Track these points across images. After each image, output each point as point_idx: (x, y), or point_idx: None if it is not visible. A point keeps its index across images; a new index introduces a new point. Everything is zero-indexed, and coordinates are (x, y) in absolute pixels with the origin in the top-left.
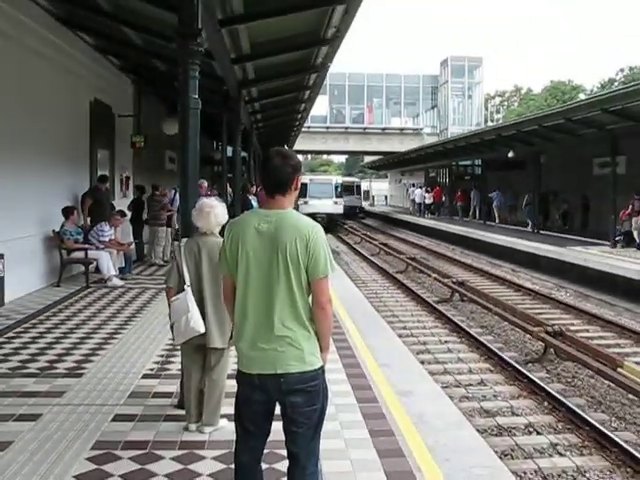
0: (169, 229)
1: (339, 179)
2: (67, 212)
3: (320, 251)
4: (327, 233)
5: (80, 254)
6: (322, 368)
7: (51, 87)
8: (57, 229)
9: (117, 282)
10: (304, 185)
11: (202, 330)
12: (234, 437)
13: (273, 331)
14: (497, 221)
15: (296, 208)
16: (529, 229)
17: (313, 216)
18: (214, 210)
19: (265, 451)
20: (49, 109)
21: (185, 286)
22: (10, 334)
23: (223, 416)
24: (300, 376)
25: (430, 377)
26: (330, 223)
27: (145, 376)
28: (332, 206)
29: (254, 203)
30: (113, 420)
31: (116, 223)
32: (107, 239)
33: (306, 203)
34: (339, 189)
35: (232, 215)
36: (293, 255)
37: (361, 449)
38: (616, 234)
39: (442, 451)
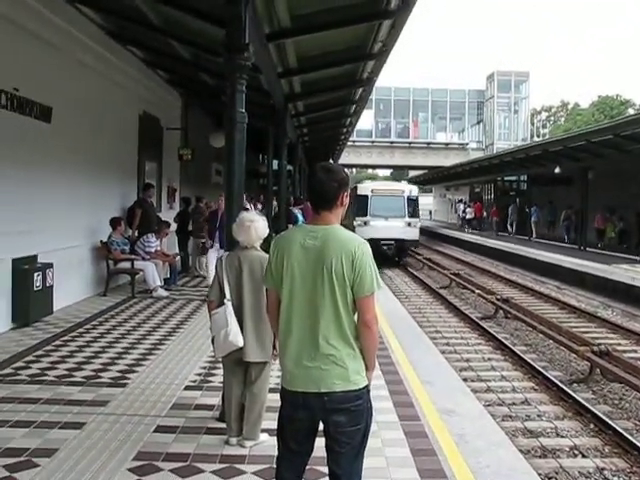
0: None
1: (413, 189)
2: (114, 223)
3: (366, 268)
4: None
5: (126, 264)
6: (367, 387)
7: (101, 100)
8: (105, 239)
9: (162, 293)
10: (363, 199)
11: (240, 344)
12: (274, 452)
13: (318, 349)
14: (534, 236)
15: (352, 230)
16: (569, 244)
17: (376, 243)
18: (254, 224)
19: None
20: (99, 121)
21: (225, 300)
22: (57, 342)
23: (264, 430)
24: (344, 395)
25: (473, 395)
26: (400, 253)
27: (187, 388)
28: (404, 229)
29: (299, 216)
30: (155, 431)
31: (163, 234)
32: (153, 250)
33: (366, 224)
34: (414, 204)
35: (277, 228)
36: (339, 272)
37: (402, 468)
38: None
39: (484, 473)
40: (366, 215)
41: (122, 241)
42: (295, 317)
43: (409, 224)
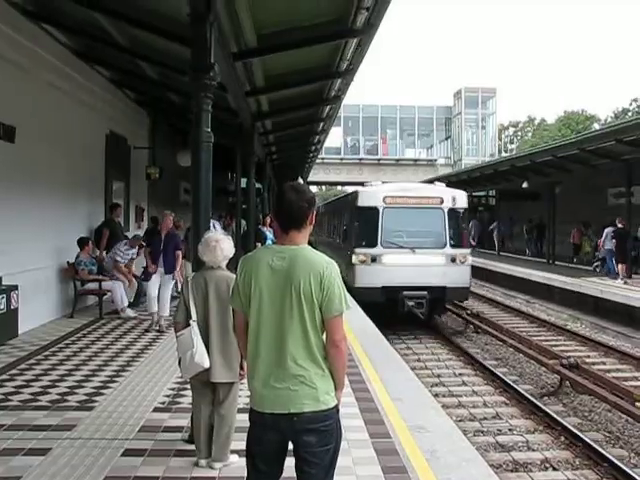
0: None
1: (459, 196)
2: (82, 243)
3: (334, 288)
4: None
5: (94, 285)
6: (336, 407)
7: (67, 120)
8: (72, 260)
9: (130, 313)
10: (367, 215)
11: (206, 365)
12: (244, 473)
13: (286, 369)
14: (497, 249)
15: (351, 272)
16: (532, 257)
17: (394, 295)
18: (220, 244)
19: None
20: (65, 141)
21: (191, 321)
22: (22, 366)
23: (234, 452)
24: (314, 415)
25: (444, 411)
26: (436, 310)
27: (156, 409)
28: (445, 269)
29: (269, 234)
30: (123, 455)
31: (135, 243)
32: (129, 258)
33: (375, 261)
34: (460, 222)
35: (245, 247)
36: (307, 292)
37: None
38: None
39: None
40: (374, 244)
41: (90, 261)
42: (263, 338)
43: (453, 259)
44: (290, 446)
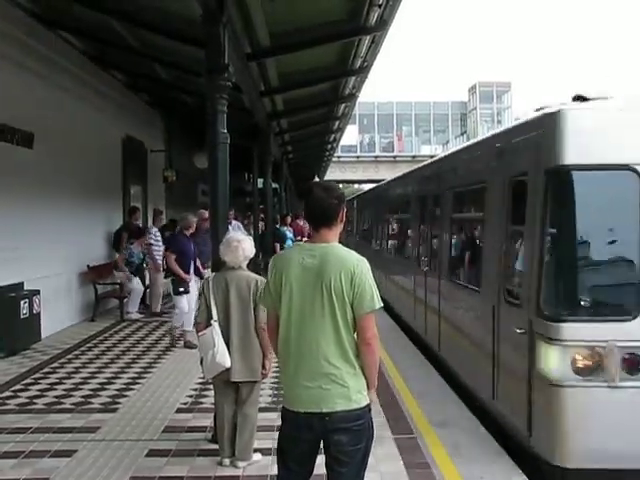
0: None
1: None
2: (140, 233)
3: (366, 286)
4: None
5: (115, 290)
6: (368, 406)
7: (84, 124)
8: (91, 264)
9: (133, 316)
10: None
11: (227, 364)
12: (269, 471)
13: (318, 368)
14: None
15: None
16: None
17: None
18: (242, 244)
19: None
20: (82, 146)
21: (212, 321)
22: (46, 369)
23: (256, 450)
24: (346, 414)
25: (465, 406)
26: None
27: (179, 410)
28: None
29: (288, 234)
30: (147, 455)
31: (141, 241)
32: (136, 261)
33: None
34: None
35: (264, 247)
36: (338, 290)
37: None
38: None
39: None
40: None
41: (138, 255)
42: (294, 337)
43: None
44: (321, 444)
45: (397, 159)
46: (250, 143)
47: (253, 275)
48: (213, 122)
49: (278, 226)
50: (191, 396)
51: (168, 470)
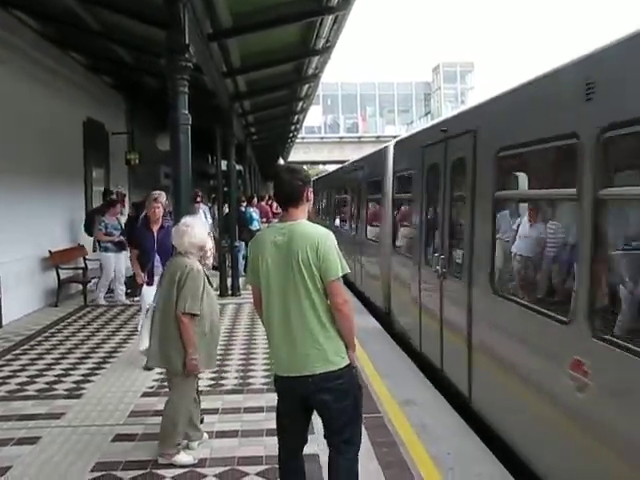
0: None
1: None
2: (109, 204)
3: (330, 255)
4: None
5: (77, 275)
6: (348, 366)
7: (43, 107)
8: (53, 249)
9: (100, 301)
10: None
11: (140, 348)
12: (235, 453)
13: (298, 336)
14: None
15: None
16: None
17: None
18: (189, 230)
19: None
20: (41, 130)
21: (147, 305)
22: (8, 356)
23: (216, 433)
24: (326, 376)
25: (432, 385)
26: None
27: (145, 394)
28: None
29: (254, 214)
30: (113, 440)
31: (114, 211)
32: (118, 233)
33: None
34: None
35: (226, 227)
36: (306, 262)
37: (363, 460)
38: None
39: (446, 460)
40: None
41: (114, 225)
42: (274, 308)
43: None
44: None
45: (362, 140)
46: (213, 125)
47: (189, 263)
48: (174, 103)
49: (244, 208)
50: (157, 380)
51: (135, 454)
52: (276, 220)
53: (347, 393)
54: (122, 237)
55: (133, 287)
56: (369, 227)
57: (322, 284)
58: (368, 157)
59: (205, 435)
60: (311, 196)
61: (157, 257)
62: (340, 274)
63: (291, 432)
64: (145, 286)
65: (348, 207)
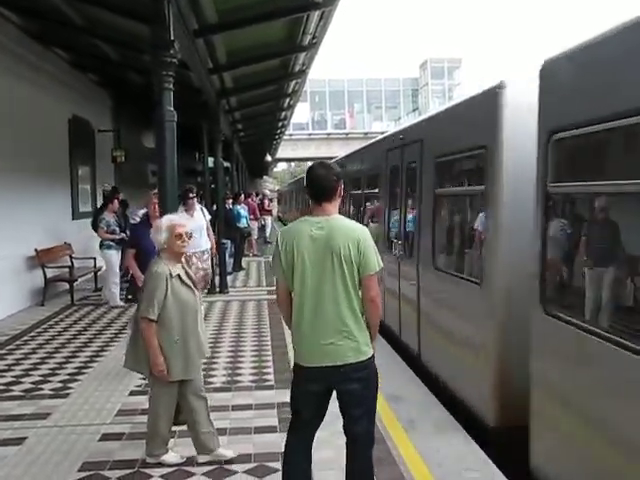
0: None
1: None
2: (106, 200)
3: (370, 251)
4: None
5: (64, 274)
6: (373, 356)
7: (27, 105)
8: (39, 247)
9: (115, 302)
10: None
11: (123, 351)
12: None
13: (332, 327)
14: None
15: None
16: None
17: None
18: (159, 225)
19: None
20: (26, 127)
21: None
22: None
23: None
24: (357, 365)
25: (421, 381)
26: None
27: (132, 393)
28: None
29: (242, 211)
30: (100, 440)
31: (112, 208)
32: (118, 230)
33: None
34: None
35: (215, 225)
36: (347, 256)
37: None
38: None
39: (434, 456)
40: None
41: (114, 221)
42: (307, 301)
43: None
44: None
45: (349, 136)
46: (200, 122)
47: (153, 263)
48: (159, 100)
49: (231, 205)
50: (144, 378)
51: (122, 454)
52: (260, 217)
53: (371, 382)
54: (123, 234)
55: (134, 291)
56: None
57: (358, 278)
58: (342, 158)
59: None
60: (342, 192)
61: None
62: (377, 269)
63: (307, 421)
64: None
65: None
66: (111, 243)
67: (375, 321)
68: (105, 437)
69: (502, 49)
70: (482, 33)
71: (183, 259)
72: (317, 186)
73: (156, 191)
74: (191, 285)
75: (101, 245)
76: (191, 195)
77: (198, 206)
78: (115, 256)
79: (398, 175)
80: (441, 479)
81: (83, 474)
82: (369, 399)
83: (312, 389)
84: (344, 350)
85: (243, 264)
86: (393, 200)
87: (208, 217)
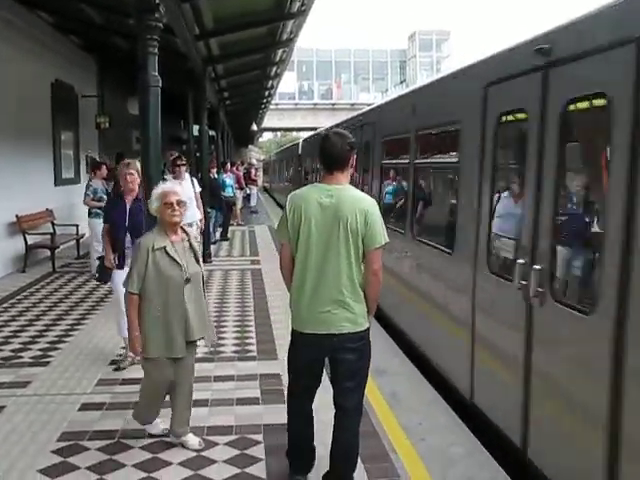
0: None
1: None
2: (94, 167)
3: (377, 223)
4: None
5: (45, 241)
6: (368, 329)
7: (9, 68)
8: (20, 214)
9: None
10: None
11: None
12: (205, 422)
13: (331, 295)
14: None
15: None
16: None
17: None
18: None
19: None
20: (8, 91)
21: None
22: None
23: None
24: (352, 336)
25: (403, 354)
26: None
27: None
28: None
29: (228, 180)
30: (80, 409)
31: (100, 175)
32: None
33: None
34: None
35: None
36: (353, 226)
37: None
38: None
39: (417, 430)
40: None
41: (102, 189)
42: (309, 267)
43: None
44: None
45: (336, 106)
46: (186, 89)
47: (142, 237)
48: (143, 64)
49: (215, 174)
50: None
51: (102, 424)
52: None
53: (365, 354)
54: None
55: (102, 271)
56: None
57: (362, 249)
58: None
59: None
60: (354, 162)
61: (128, 237)
62: (383, 242)
63: (304, 386)
64: (116, 269)
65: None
66: (99, 211)
67: (374, 295)
68: (85, 407)
69: (490, 22)
70: (470, 6)
71: (180, 230)
72: (331, 154)
73: (128, 161)
74: (177, 259)
75: (90, 213)
76: (179, 162)
77: (188, 176)
78: (101, 225)
79: (360, 150)
80: (425, 454)
81: (62, 444)
82: (362, 371)
83: (307, 355)
84: (340, 319)
85: (228, 234)
86: (359, 172)
87: (198, 189)
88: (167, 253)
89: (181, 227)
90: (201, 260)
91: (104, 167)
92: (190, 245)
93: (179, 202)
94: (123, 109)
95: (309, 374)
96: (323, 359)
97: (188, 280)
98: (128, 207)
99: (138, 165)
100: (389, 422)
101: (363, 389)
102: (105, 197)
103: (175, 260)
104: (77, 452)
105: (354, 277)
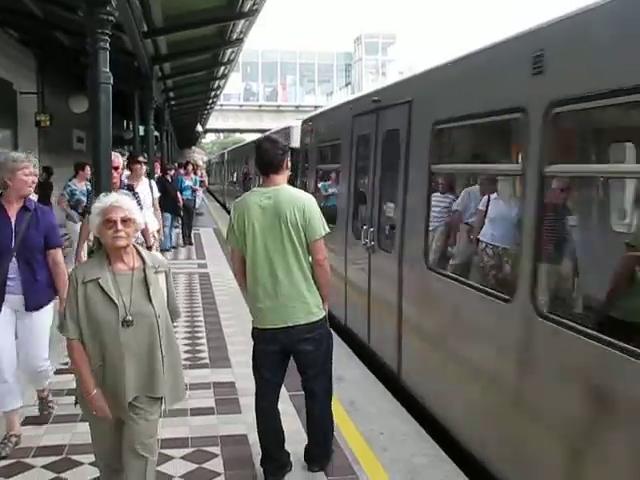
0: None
1: None
2: (77, 168)
3: (314, 216)
4: None
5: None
6: (325, 317)
7: None
8: None
9: None
10: None
11: None
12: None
13: (284, 290)
14: None
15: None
16: None
17: None
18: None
19: None
20: None
21: None
22: None
23: None
24: (308, 326)
25: (361, 362)
26: None
27: (59, 372)
28: None
29: (187, 182)
30: (23, 424)
31: (83, 175)
32: (85, 199)
33: None
34: None
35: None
36: (293, 222)
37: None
38: None
39: (379, 440)
40: None
41: (82, 191)
42: (259, 266)
43: None
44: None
45: (281, 108)
46: (131, 88)
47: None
48: (95, 61)
49: (171, 177)
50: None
51: (47, 439)
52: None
53: (323, 341)
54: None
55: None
56: None
57: (306, 242)
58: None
59: None
60: (289, 164)
61: (14, 261)
62: (323, 233)
63: (268, 380)
64: None
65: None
66: (73, 212)
67: (324, 283)
68: (28, 420)
69: (436, 25)
70: (416, 9)
71: (134, 256)
72: (265, 159)
73: (17, 154)
74: (111, 295)
75: (67, 216)
76: (141, 160)
77: (146, 180)
78: (77, 227)
79: (310, 149)
80: (389, 465)
81: (4, 462)
82: (322, 359)
83: (268, 350)
84: (295, 311)
85: (173, 236)
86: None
87: (157, 194)
88: (101, 288)
89: (138, 251)
90: (164, 295)
91: (87, 167)
92: (145, 277)
93: (125, 220)
94: (65, 107)
95: (273, 369)
96: (286, 352)
97: (128, 323)
98: (13, 220)
99: (34, 161)
100: (350, 432)
101: (329, 372)
102: (83, 199)
103: (108, 296)
104: (20, 471)
105: (304, 269)
